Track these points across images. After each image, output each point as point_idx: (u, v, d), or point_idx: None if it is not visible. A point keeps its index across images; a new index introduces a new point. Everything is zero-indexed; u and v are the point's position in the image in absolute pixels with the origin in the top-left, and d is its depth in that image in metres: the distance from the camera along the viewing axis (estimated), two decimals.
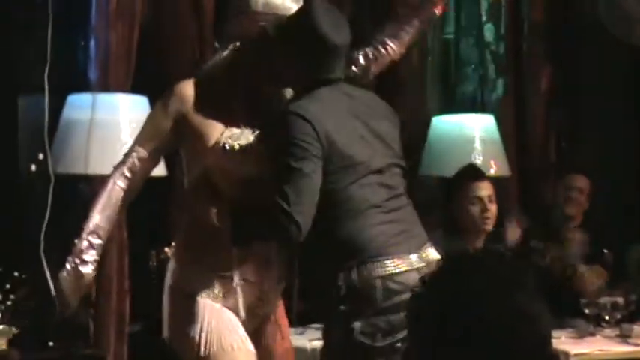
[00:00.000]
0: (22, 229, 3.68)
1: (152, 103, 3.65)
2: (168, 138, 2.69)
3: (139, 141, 2.71)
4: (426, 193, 4.92)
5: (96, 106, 3.53)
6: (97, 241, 2.67)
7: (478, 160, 4.57)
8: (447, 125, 4.84)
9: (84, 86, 3.71)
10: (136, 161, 2.68)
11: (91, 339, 3.73)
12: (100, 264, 3.67)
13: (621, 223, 5.10)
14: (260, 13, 2.65)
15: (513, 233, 4.56)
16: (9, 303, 3.36)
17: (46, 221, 3.58)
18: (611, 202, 5.04)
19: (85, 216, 2.71)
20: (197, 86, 2.71)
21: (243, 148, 2.60)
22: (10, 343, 3.37)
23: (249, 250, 2.68)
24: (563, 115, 5.42)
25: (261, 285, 2.73)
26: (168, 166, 3.69)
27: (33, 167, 3.68)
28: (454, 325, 1.41)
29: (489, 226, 4.12)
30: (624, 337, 3.96)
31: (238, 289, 2.68)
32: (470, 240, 4.14)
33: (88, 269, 2.66)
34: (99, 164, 3.50)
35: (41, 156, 3.62)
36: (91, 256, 2.67)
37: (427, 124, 4.84)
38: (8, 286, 3.36)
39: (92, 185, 3.71)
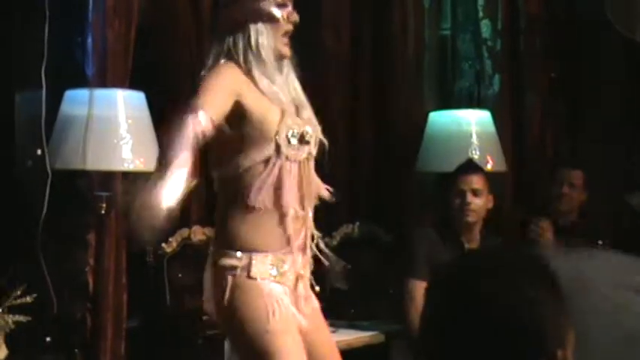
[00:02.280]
0: (19, 224, 3.68)
1: (149, 99, 3.66)
2: (225, 114, 2.69)
3: (205, 106, 2.60)
4: (422, 189, 4.95)
5: (93, 102, 3.52)
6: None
7: (475, 156, 4.60)
8: (444, 121, 4.85)
9: (81, 82, 3.70)
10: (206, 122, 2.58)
11: (88, 334, 3.73)
12: (97, 259, 3.71)
13: (619, 218, 5.11)
14: None
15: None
16: (5, 298, 3.36)
17: (43, 216, 3.58)
18: (609, 196, 5.05)
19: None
20: (238, 69, 2.78)
21: (302, 137, 2.79)
22: (7, 338, 3.37)
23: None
24: (560, 109, 5.43)
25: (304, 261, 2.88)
26: None
27: (30, 163, 3.68)
28: (459, 308, 1.43)
29: (470, 218, 4.14)
30: None
31: (292, 265, 2.81)
32: (464, 234, 4.17)
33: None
34: (96, 160, 3.50)
35: (38, 151, 3.62)
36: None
37: (424, 119, 4.86)
38: (5, 281, 3.36)
39: (89, 180, 3.72)
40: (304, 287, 2.90)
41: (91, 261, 3.74)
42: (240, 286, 2.76)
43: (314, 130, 2.88)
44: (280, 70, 2.85)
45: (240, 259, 2.77)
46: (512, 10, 5.39)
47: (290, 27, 2.85)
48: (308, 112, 2.90)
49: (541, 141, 5.37)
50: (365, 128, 5.01)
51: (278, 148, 2.76)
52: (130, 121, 3.57)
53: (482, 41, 5.33)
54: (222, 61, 2.79)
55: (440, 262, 4.05)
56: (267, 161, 2.77)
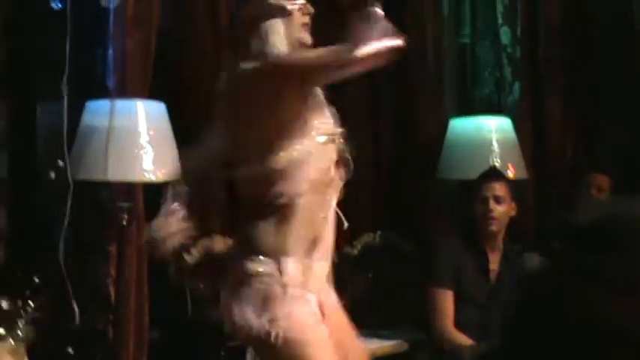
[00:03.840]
0: (41, 234, 3.69)
1: (170, 109, 3.66)
2: None
3: None
4: (444, 196, 4.93)
5: (114, 113, 3.53)
6: None
7: (496, 163, 4.58)
8: (464, 128, 4.84)
9: (102, 93, 3.71)
10: None
11: (110, 346, 3.73)
12: (119, 269, 3.71)
13: None
14: None
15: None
16: (28, 308, 3.36)
17: (64, 227, 3.59)
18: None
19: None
20: None
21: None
22: (29, 350, 3.38)
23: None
24: (581, 116, 5.40)
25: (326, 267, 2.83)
26: None
27: (52, 174, 3.69)
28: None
29: (494, 227, 4.11)
30: None
31: (315, 271, 2.76)
32: (486, 241, 4.14)
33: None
34: (117, 170, 3.50)
35: (60, 162, 3.63)
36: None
37: (444, 126, 4.84)
38: (27, 291, 3.36)
39: (111, 191, 3.73)
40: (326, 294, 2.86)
41: (113, 272, 3.74)
42: (272, 294, 2.70)
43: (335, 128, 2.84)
44: None
45: (267, 264, 2.71)
46: (531, 16, 5.37)
47: (306, 19, 2.80)
48: (327, 108, 2.86)
49: (562, 147, 5.35)
50: (386, 136, 5.00)
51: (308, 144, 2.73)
52: (150, 131, 3.57)
53: (502, 48, 5.31)
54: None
55: (462, 271, 4.04)
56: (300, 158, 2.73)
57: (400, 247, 4.75)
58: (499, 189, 4.13)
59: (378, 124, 4.98)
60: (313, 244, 2.75)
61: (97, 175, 3.53)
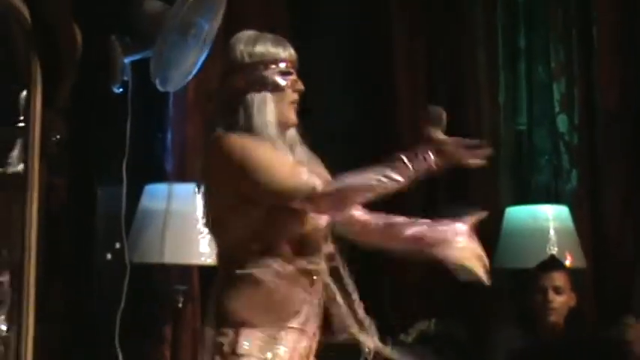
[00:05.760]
0: (97, 317, 3.71)
1: None
2: None
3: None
4: (500, 285, 4.87)
5: (172, 196, 3.57)
6: None
7: (553, 252, 4.53)
8: (521, 216, 4.80)
9: (161, 177, 3.76)
10: None
11: None
12: (173, 352, 3.70)
13: None
14: (248, 64, 2.65)
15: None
16: None
17: (121, 309, 3.60)
18: None
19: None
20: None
21: None
22: None
23: None
24: None
25: None
26: None
27: (110, 256, 3.73)
28: None
29: (553, 317, 4.05)
30: None
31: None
32: (545, 333, 4.08)
33: None
34: (174, 254, 3.53)
35: (118, 245, 3.67)
36: None
37: (501, 214, 4.81)
38: None
39: (167, 274, 3.75)
40: None
41: (168, 354, 3.74)
42: None
43: None
44: (284, 141, 2.68)
45: (227, 334, 2.55)
46: (588, 104, 5.36)
47: (295, 96, 2.70)
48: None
49: (621, 236, 5.28)
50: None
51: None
52: None
53: (559, 136, 5.29)
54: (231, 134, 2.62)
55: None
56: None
57: (456, 335, 4.69)
58: (559, 279, 4.09)
59: (434, 211, 4.96)
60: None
61: (154, 258, 3.55)
